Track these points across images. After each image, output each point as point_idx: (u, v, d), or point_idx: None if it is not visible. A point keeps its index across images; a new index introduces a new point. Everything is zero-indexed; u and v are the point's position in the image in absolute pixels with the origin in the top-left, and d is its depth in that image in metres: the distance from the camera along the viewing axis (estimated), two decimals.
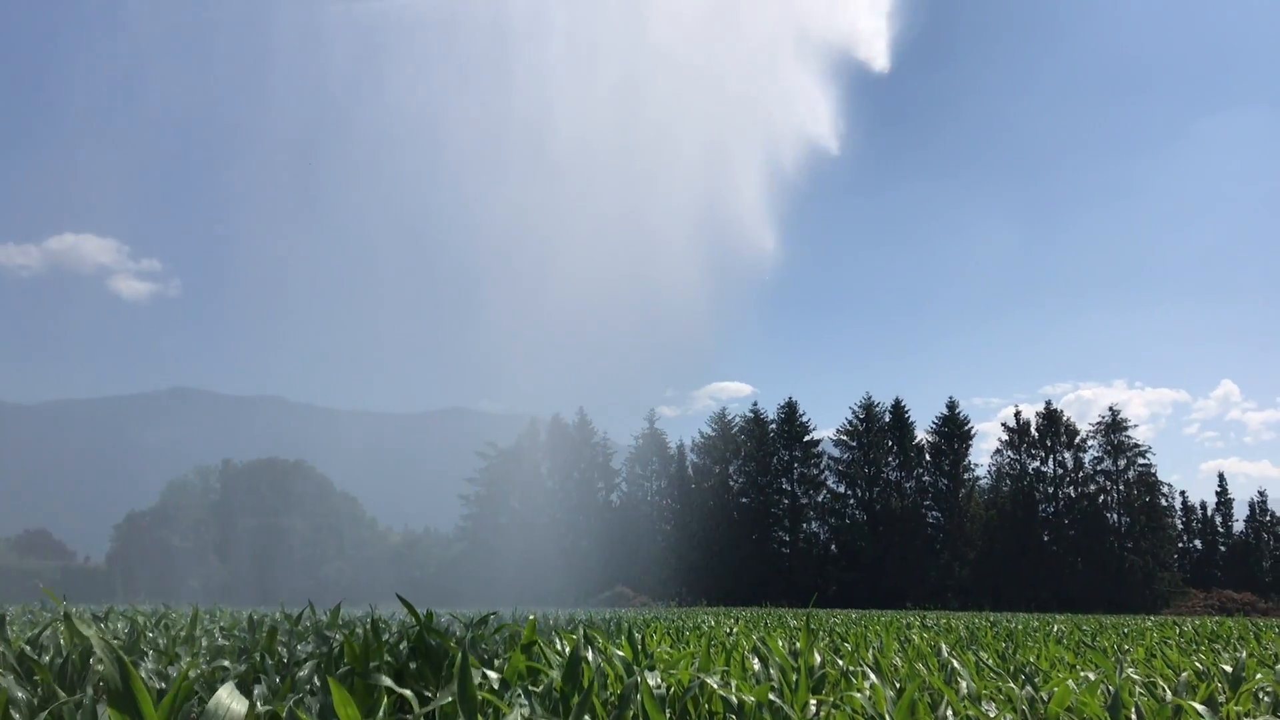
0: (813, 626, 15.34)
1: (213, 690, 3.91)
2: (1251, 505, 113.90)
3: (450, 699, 4.60)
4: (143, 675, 5.32)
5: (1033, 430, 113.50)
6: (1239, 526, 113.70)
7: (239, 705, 1.96)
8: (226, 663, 6.07)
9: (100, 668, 5.65)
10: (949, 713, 5.02)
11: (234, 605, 34.97)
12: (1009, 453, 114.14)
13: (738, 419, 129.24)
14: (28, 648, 6.22)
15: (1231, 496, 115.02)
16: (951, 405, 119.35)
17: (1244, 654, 7.74)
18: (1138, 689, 6.25)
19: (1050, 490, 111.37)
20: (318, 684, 5.00)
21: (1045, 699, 5.70)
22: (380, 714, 3.93)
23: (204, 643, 8.46)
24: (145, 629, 10.14)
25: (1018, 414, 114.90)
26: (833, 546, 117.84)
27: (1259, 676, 6.63)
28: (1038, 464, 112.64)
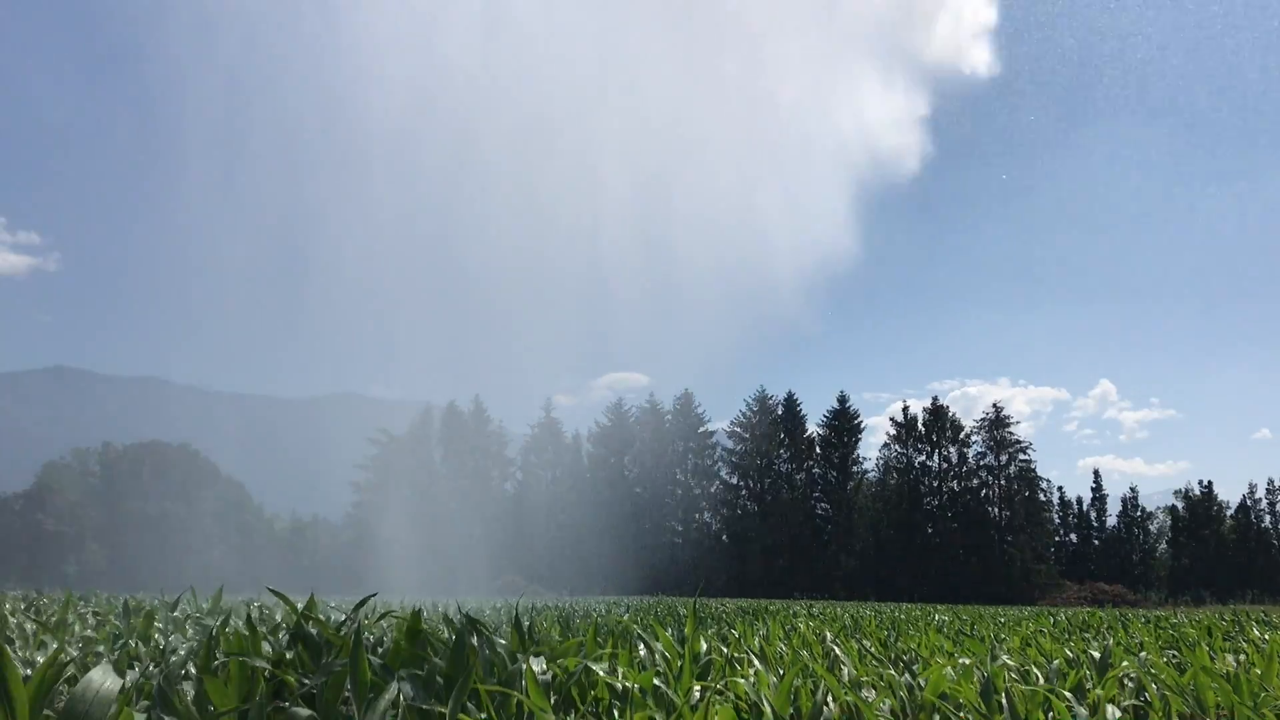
0: (701, 615, 15.50)
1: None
2: (1124, 501, 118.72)
3: (325, 679, 4.53)
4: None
5: (920, 425, 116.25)
6: (1112, 521, 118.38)
7: (112, 683, 1.90)
8: (101, 649, 5.88)
9: None
10: (829, 699, 5.11)
11: (112, 591, 33.86)
12: (896, 447, 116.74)
13: (634, 409, 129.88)
14: None
15: (1106, 492, 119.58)
16: (842, 399, 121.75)
17: (1111, 642, 8.07)
18: (1011, 675, 6.46)
19: (935, 484, 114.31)
20: (193, 670, 4.87)
21: (923, 685, 5.85)
22: (257, 699, 3.85)
23: (76, 629, 8.17)
24: (13, 614, 9.75)
25: (905, 409, 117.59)
26: (724, 536, 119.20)
27: (1124, 664, 6.92)
28: (924, 458, 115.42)
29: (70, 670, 4.95)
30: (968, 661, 7.29)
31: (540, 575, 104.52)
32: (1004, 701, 5.06)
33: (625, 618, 12.84)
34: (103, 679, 1.92)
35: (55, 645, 5.37)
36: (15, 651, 6.05)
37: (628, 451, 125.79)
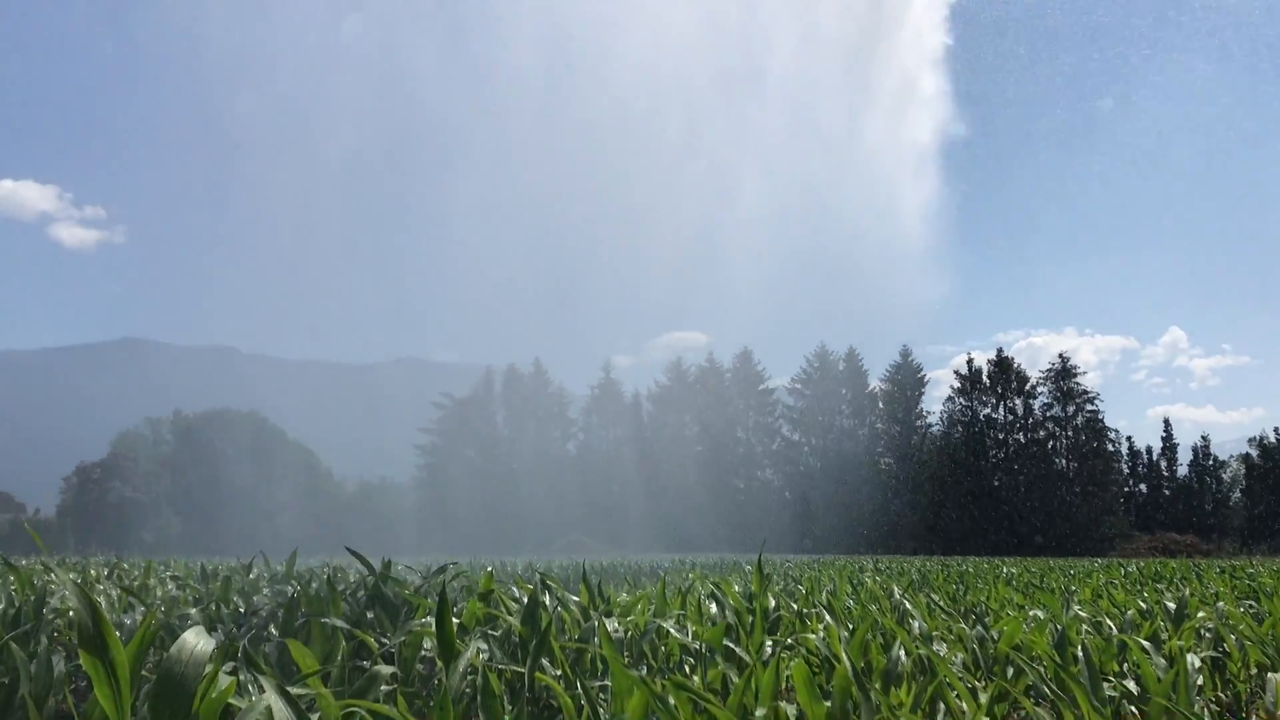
0: (766, 571, 15.54)
1: (174, 637, 3.89)
2: (1195, 450, 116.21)
3: (403, 638, 4.61)
4: None
5: (984, 378, 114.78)
6: (1183, 471, 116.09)
7: (205, 645, 1.95)
8: (193, 612, 6.03)
9: (54, 617, 5.60)
10: (901, 652, 5.10)
11: (188, 557, 34.81)
12: (961, 400, 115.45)
13: (693, 368, 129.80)
14: None
15: (1176, 441, 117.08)
16: (905, 353, 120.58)
17: (1186, 593, 7.95)
18: (1084, 627, 6.41)
19: (1001, 436, 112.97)
20: (274, 632, 4.99)
21: (995, 637, 5.82)
22: (339, 659, 3.94)
23: (158, 593, 8.41)
24: (98, 580, 10.05)
25: (970, 361, 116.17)
26: (787, 493, 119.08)
27: (1200, 614, 6.82)
28: (989, 411, 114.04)
29: (158, 633, 5.10)
30: (1040, 614, 7.23)
31: (603, 534, 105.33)
32: (1079, 653, 5.02)
33: (691, 575, 12.92)
34: (196, 640, 1.97)
35: (141, 609, 5.53)
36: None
37: (688, 410, 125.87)
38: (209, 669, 1.95)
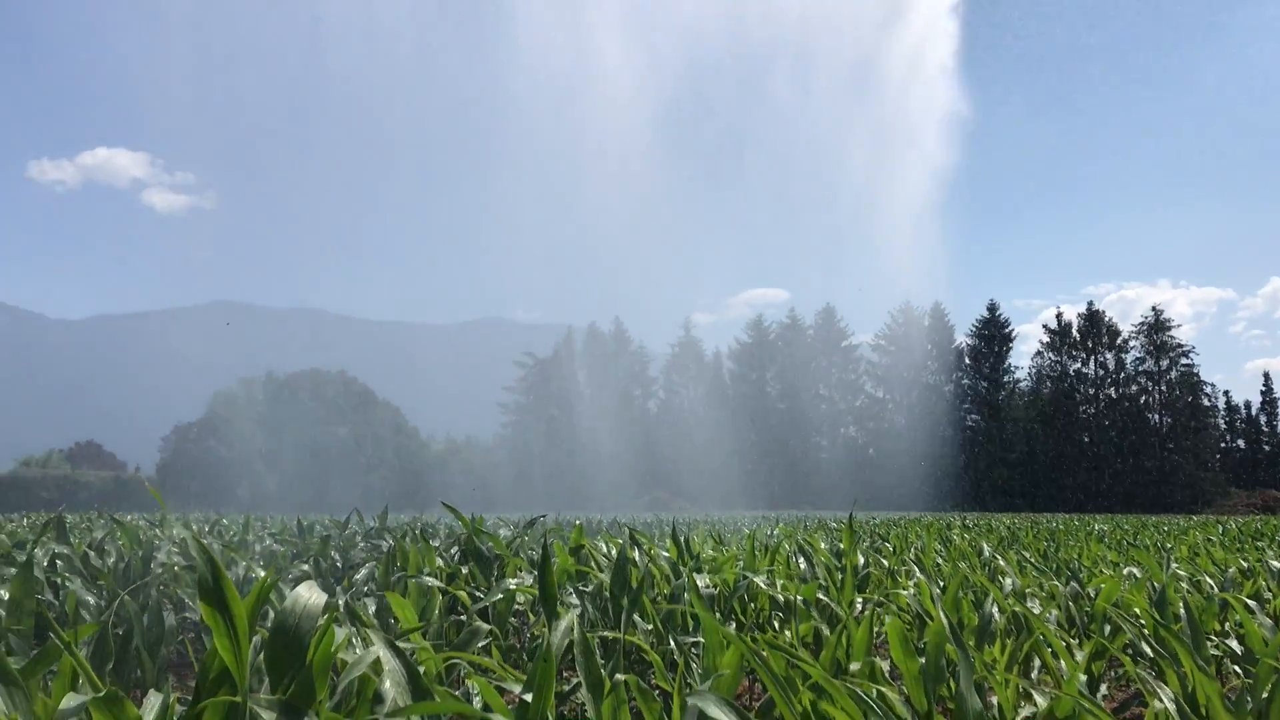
0: (854, 529, 15.47)
1: (279, 591, 4.00)
2: None
3: (500, 596, 4.69)
4: None
5: (1074, 332, 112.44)
6: None
7: (317, 598, 2.00)
8: (304, 566, 6.20)
9: (161, 571, 5.81)
10: (994, 609, 5.04)
11: (283, 513, 35.84)
12: (1050, 355, 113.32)
13: (774, 325, 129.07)
14: (91, 552, 6.39)
15: (1277, 395, 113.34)
16: (992, 308, 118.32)
17: None
18: (1183, 585, 6.26)
19: (1091, 392, 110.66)
20: (373, 587, 5.11)
21: (1092, 595, 5.72)
22: (435, 614, 4.02)
23: (256, 548, 8.66)
24: (199, 535, 10.38)
25: (1059, 315, 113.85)
26: (871, 450, 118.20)
27: None
28: (1079, 365, 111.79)
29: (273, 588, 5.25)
30: (1136, 572, 7.09)
31: (685, 491, 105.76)
32: (1180, 611, 4.90)
33: (776, 531, 12.91)
34: (309, 595, 2.02)
35: (243, 564, 5.70)
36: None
37: (769, 367, 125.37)
38: (322, 623, 2.00)
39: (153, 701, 2.11)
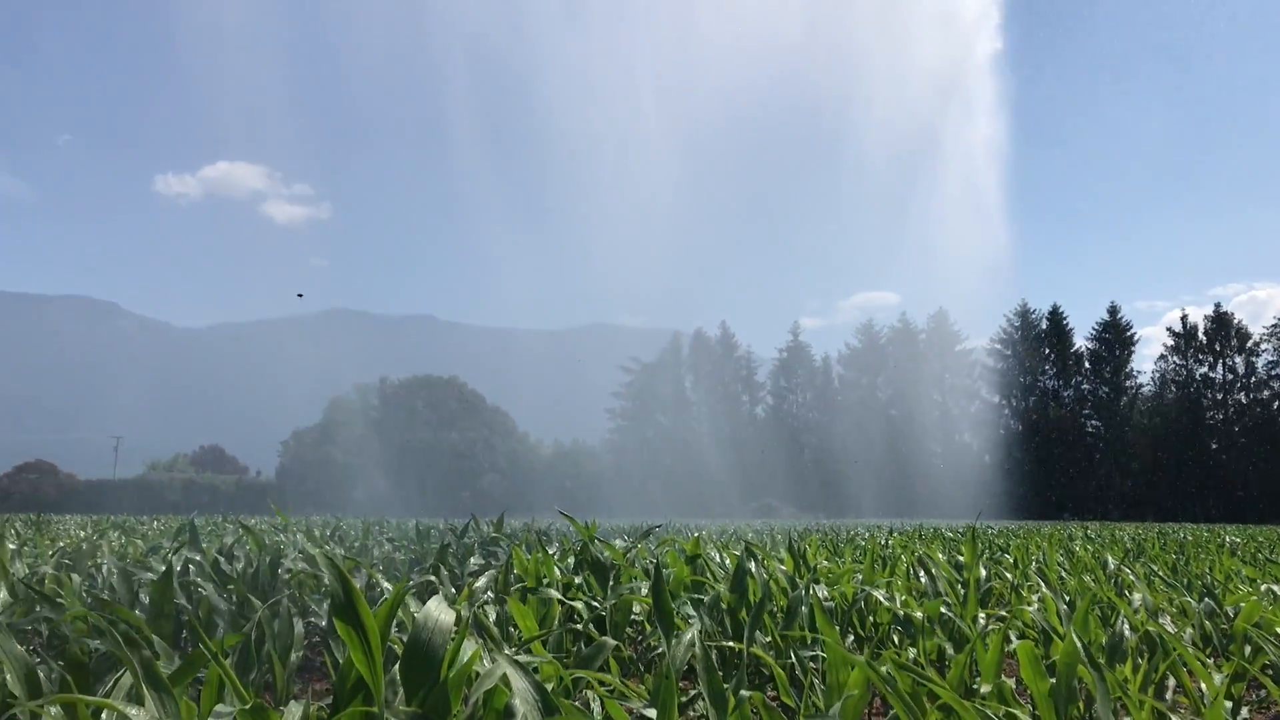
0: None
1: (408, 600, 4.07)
2: None
3: (615, 604, 4.70)
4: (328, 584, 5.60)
5: (1200, 334, 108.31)
6: None
7: (447, 617, 2.03)
8: (431, 578, 6.32)
9: (289, 577, 5.98)
10: (1125, 627, 4.86)
11: (398, 517, 36.74)
12: (1175, 358, 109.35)
13: (885, 329, 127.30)
14: (221, 558, 6.61)
15: None
16: (1113, 310, 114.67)
17: None
18: None
19: (1219, 397, 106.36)
20: (491, 595, 5.18)
21: (1230, 613, 5.48)
22: (555, 624, 4.05)
23: (375, 553, 8.86)
24: (322, 540, 10.66)
25: (1184, 317, 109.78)
26: (986, 457, 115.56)
27: None
28: (1206, 370, 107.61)
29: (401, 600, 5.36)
30: (1276, 588, 6.77)
31: (794, 498, 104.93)
32: None
33: (891, 542, 12.71)
34: (438, 612, 2.05)
35: (365, 572, 5.83)
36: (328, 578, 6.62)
37: (880, 372, 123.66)
38: (453, 640, 2.03)
39: (294, 711, 2.16)
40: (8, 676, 2.54)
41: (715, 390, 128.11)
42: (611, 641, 2.74)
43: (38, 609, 4.50)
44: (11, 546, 8.53)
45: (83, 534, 14.34)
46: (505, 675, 2.18)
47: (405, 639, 2.08)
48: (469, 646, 2.21)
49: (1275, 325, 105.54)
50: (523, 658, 2.49)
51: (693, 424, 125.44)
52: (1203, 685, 3.97)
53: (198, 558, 6.38)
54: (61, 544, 10.38)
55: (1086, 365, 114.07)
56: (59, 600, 4.42)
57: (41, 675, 2.74)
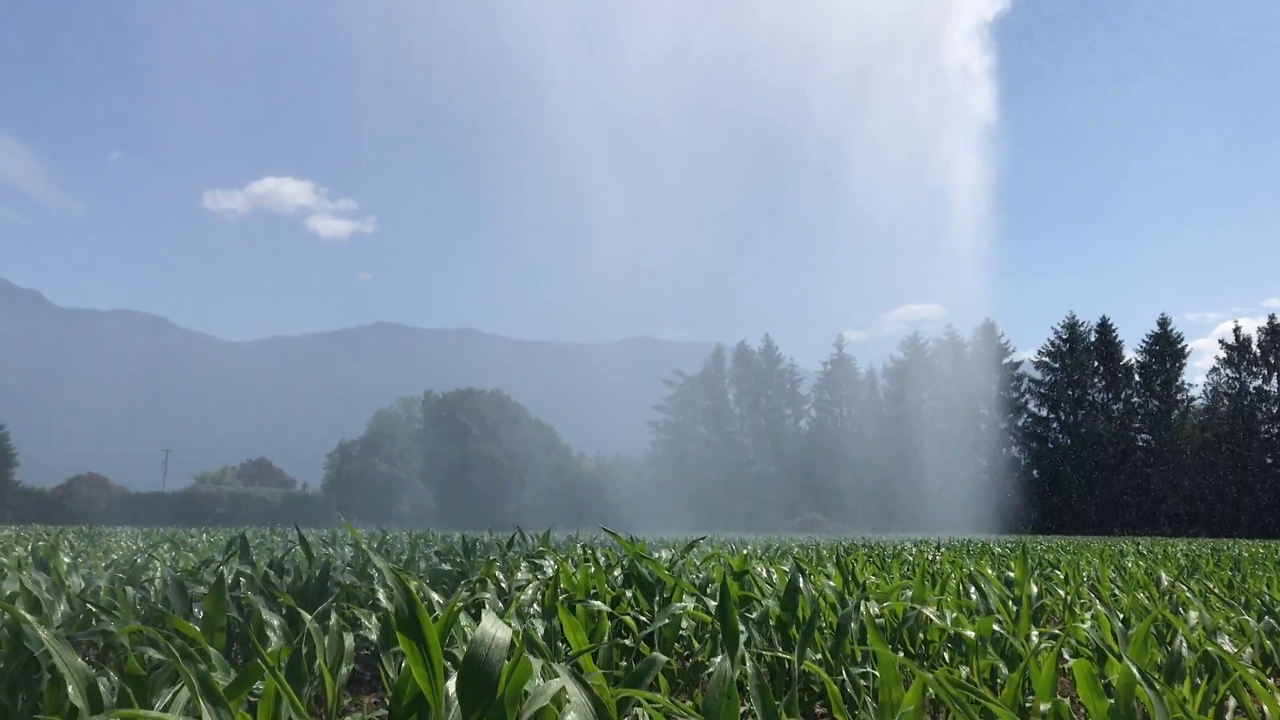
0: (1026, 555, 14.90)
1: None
2: None
3: (667, 622, 4.69)
4: (380, 597, 5.64)
5: (1254, 346, 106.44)
6: None
7: (503, 634, 2.04)
8: (486, 595, 6.35)
9: (338, 590, 6.02)
10: (1183, 646, 4.77)
11: (442, 529, 36.91)
12: (1227, 371, 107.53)
13: (931, 342, 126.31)
14: (270, 571, 6.68)
15: None
16: (1164, 322, 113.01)
17: None
18: None
19: (1274, 411, 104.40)
20: (538, 609, 5.18)
21: None
22: (604, 638, 4.05)
23: (422, 566, 8.91)
24: (370, 552, 10.75)
25: (1237, 330, 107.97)
26: (1035, 471, 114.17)
27: None
28: (1260, 383, 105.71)
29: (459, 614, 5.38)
30: None
31: (838, 512, 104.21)
32: None
33: (940, 557, 12.58)
34: (494, 629, 2.06)
35: (414, 585, 5.86)
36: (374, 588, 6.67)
37: (926, 386, 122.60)
38: (511, 656, 2.04)
39: None
40: (70, 689, 2.59)
41: (758, 403, 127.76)
42: (662, 658, 2.73)
43: (95, 622, 4.57)
44: (66, 559, 8.67)
45: (134, 546, 14.56)
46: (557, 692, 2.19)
47: (459, 653, 2.10)
48: (527, 663, 2.22)
49: None
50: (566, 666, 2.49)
51: (735, 437, 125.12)
52: (1265, 707, 3.89)
53: (249, 570, 6.45)
54: (115, 556, 10.54)
55: (1136, 378, 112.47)
56: (115, 613, 4.48)
57: (102, 687, 2.78)
